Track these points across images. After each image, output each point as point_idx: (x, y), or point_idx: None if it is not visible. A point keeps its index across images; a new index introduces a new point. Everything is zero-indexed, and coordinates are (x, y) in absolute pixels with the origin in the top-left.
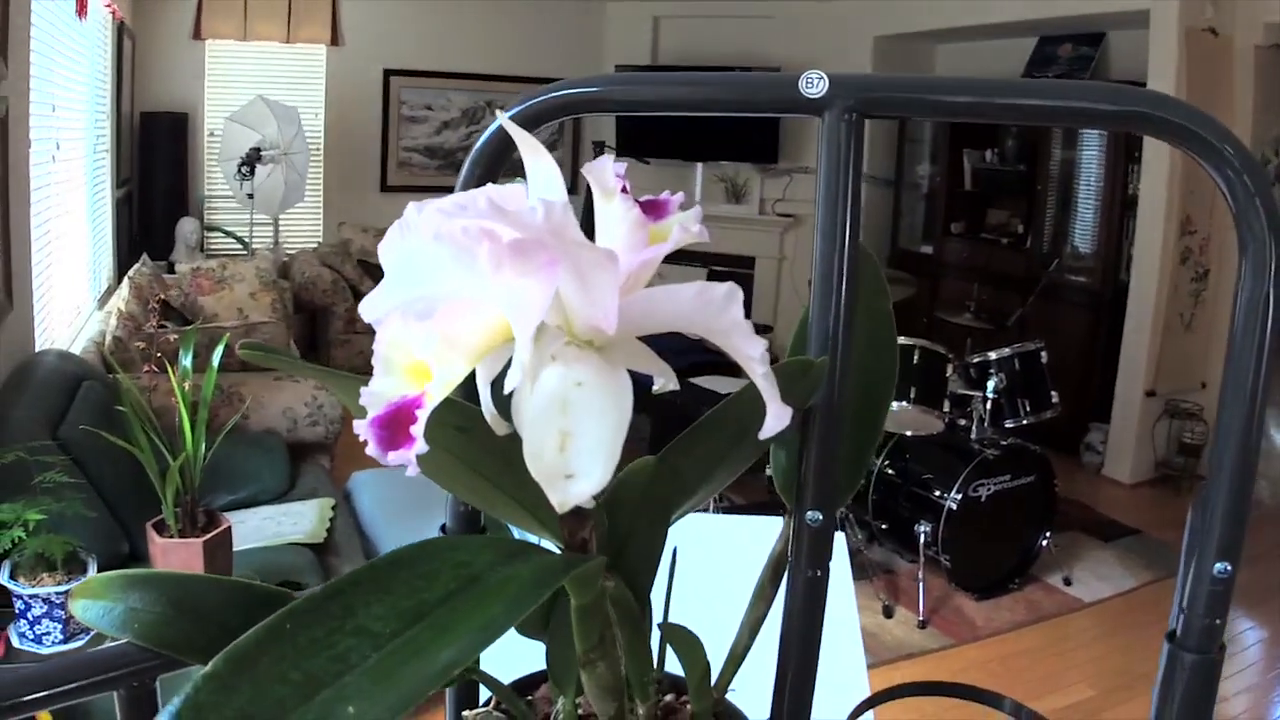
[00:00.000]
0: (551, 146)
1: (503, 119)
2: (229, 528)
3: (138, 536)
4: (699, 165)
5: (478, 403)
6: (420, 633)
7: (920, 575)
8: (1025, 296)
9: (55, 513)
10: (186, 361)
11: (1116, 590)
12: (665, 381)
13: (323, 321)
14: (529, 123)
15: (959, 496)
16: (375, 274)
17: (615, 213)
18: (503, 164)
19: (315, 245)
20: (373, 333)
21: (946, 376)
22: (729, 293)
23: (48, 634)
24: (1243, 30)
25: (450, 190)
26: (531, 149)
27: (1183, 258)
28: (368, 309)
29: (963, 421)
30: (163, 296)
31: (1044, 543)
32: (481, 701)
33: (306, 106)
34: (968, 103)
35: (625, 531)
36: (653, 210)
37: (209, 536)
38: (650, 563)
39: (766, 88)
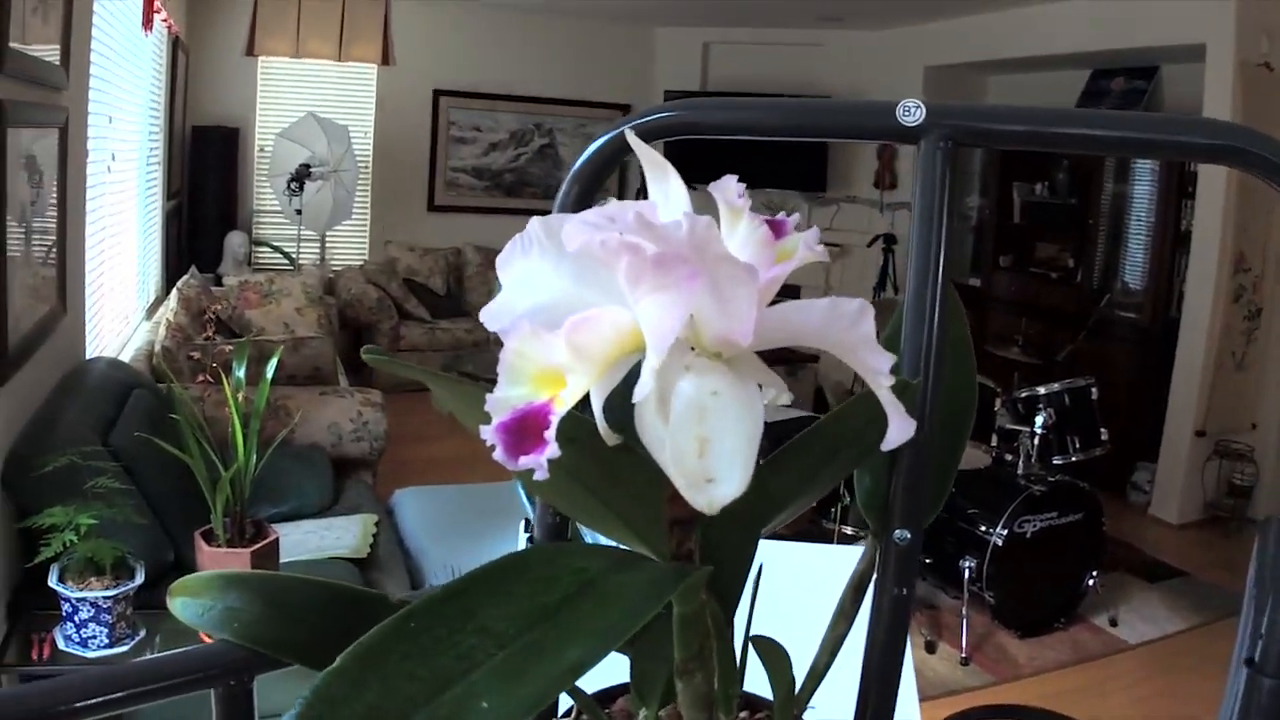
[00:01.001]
0: None
1: (629, 135)
2: (276, 539)
3: (183, 545)
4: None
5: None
6: (543, 634)
7: (964, 611)
8: (1075, 331)
9: (106, 518)
10: (240, 373)
11: (1162, 633)
12: (777, 394)
13: (367, 339)
14: (625, 147)
15: (1004, 532)
16: (420, 293)
17: (742, 231)
18: (603, 181)
19: (361, 263)
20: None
21: (994, 411)
22: (861, 308)
23: (94, 638)
24: None
25: (497, 211)
26: (659, 167)
27: (1235, 295)
28: (490, 318)
29: (1009, 456)
30: (213, 309)
31: (1090, 582)
32: (560, 713)
33: (356, 125)
34: (1061, 134)
35: (716, 545)
36: (773, 230)
37: (257, 547)
38: (740, 577)
39: (866, 115)
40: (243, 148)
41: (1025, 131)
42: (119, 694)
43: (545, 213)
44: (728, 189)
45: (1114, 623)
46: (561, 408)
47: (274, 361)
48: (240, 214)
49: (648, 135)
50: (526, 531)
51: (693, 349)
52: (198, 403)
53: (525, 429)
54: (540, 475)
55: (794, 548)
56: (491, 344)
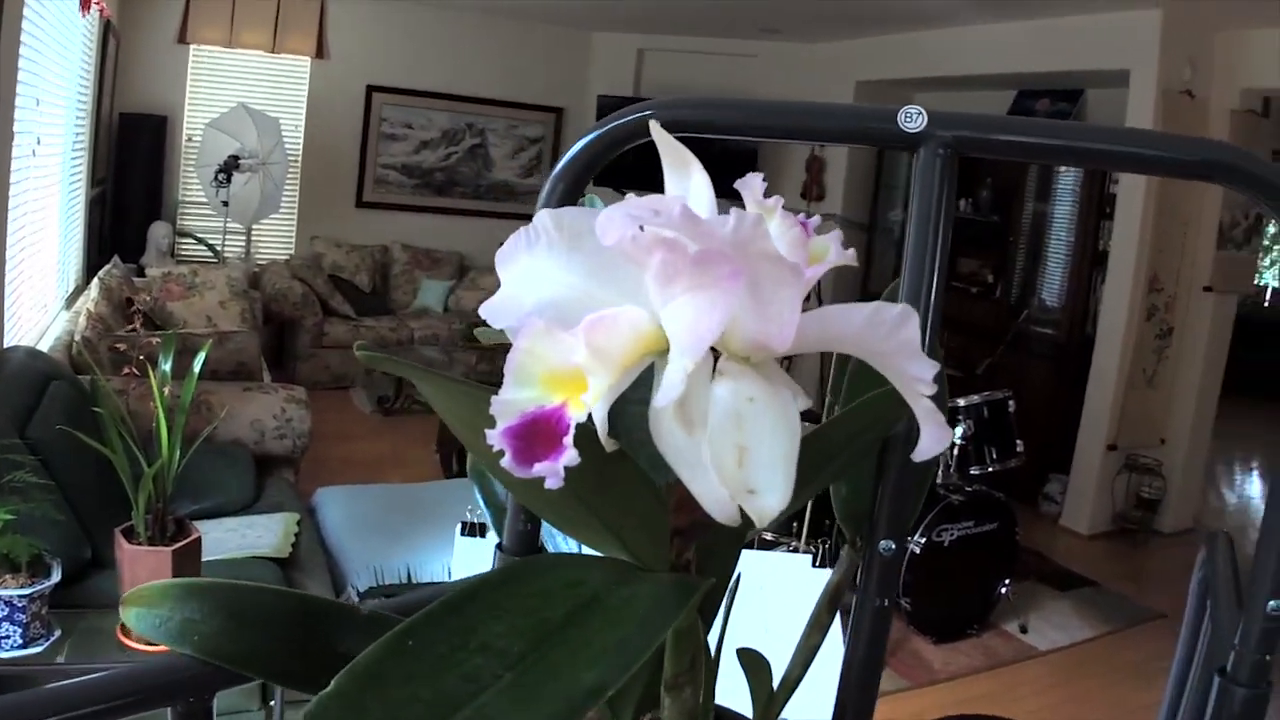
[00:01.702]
0: (530, 171)
1: (653, 126)
2: (199, 538)
3: (102, 542)
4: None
5: None
6: (553, 653)
7: None
8: (994, 346)
9: (22, 513)
10: (166, 367)
11: (1071, 640)
12: (796, 399)
13: (290, 334)
14: (616, 143)
15: (923, 540)
16: (345, 289)
17: (773, 231)
18: (589, 179)
19: (287, 257)
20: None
21: None
22: (903, 314)
23: (7, 638)
24: (1219, 94)
25: (425, 210)
26: (683, 161)
27: (1148, 314)
28: (492, 314)
29: None
30: (134, 300)
31: (1003, 590)
32: None
33: (287, 118)
34: (1056, 146)
35: (704, 556)
36: None
37: (179, 546)
38: (723, 588)
39: (868, 119)
40: (171, 137)
41: (1023, 143)
42: (64, 715)
43: (475, 213)
44: (755, 187)
45: (1025, 630)
46: (580, 412)
47: (202, 356)
48: (165, 204)
49: (637, 134)
50: (464, 534)
51: (725, 355)
52: (121, 396)
53: (537, 434)
54: (554, 484)
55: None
56: (415, 344)
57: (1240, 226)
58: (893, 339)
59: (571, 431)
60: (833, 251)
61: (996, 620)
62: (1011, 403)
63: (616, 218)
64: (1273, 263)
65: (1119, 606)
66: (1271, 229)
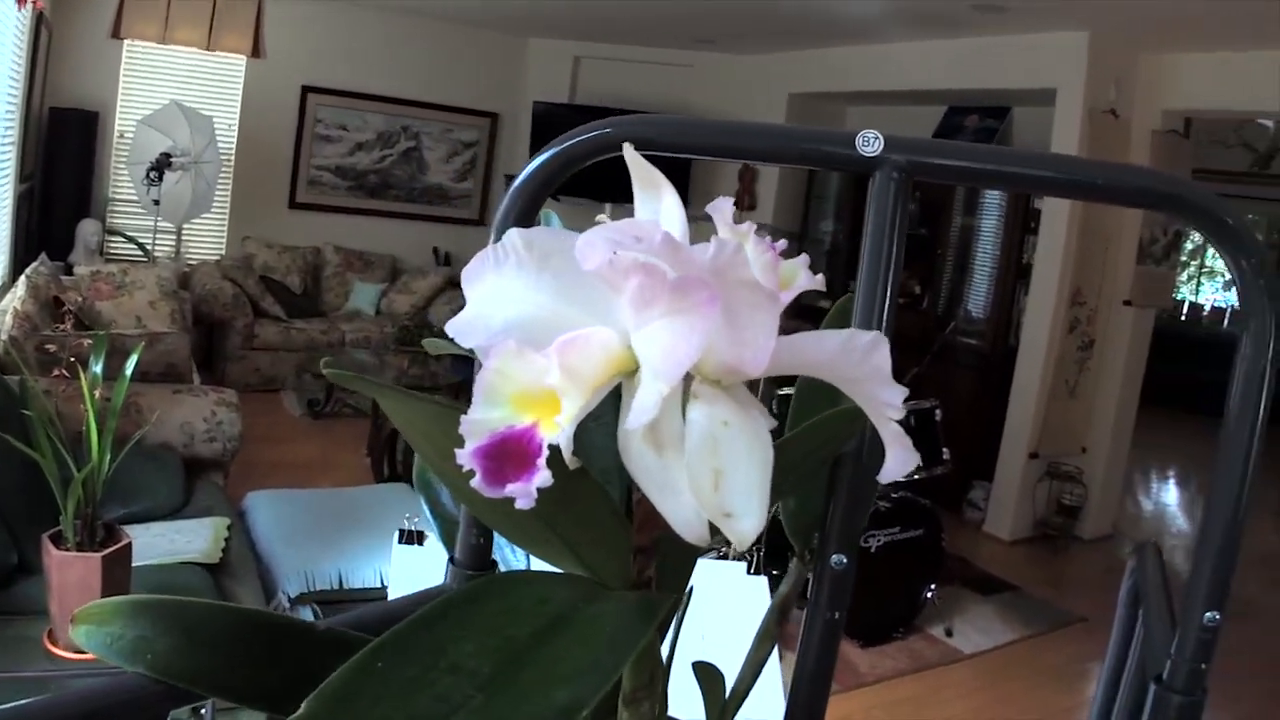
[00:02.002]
0: (464, 175)
1: (626, 150)
2: (129, 544)
3: (28, 548)
4: (608, 205)
5: None
6: (524, 673)
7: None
8: (920, 356)
9: None
10: (98, 369)
11: (995, 643)
12: (766, 422)
13: (220, 335)
14: (574, 160)
15: None
16: (277, 291)
17: (748, 255)
18: (546, 195)
19: (218, 258)
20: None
21: None
22: (874, 341)
23: None
24: (1141, 114)
25: (359, 212)
26: (655, 184)
27: (1071, 327)
28: (460, 333)
29: None
30: (63, 299)
31: (929, 595)
32: None
33: (221, 116)
34: (1008, 173)
35: (661, 571)
36: None
37: (108, 552)
38: (679, 603)
39: (826, 142)
40: (102, 133)
41: (973, 169)
42: None
43: (408, 216)
44: (725, 211)
45: (949, 633)
46: (552, 433)
47: (134, 358)
48: (95, 201)
49: (596, 151)
50: (402, 542)
51: (698, 378)
52: (49, 397)
53: (508, 454)
54: (525, 504)
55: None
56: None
57: (1159, 243)
58: (864, 365)
59: (545, 452)
60: (801, 276)
61: (922, 624)
62: (938, 412)
63: (597, 242)
64: (1190, 278)
65: (1041, 610)
66: (1189, 246)
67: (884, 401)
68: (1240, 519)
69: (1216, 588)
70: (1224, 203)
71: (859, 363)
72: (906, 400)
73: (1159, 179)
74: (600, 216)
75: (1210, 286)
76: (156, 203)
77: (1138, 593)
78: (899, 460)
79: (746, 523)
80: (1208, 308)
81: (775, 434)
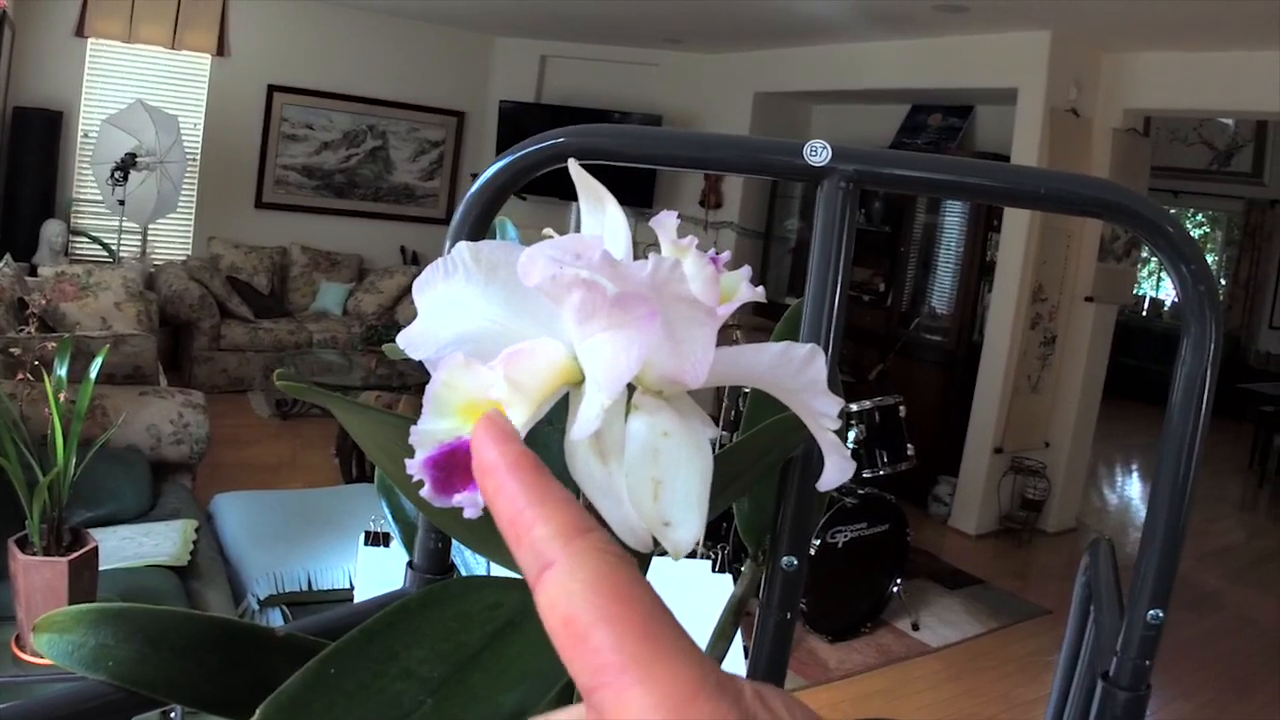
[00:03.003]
0: (430, 174)
1: (571, 165)
2: (95, 548)
3: None
4: (574, 204)
5: None
6: (473, 677)
7: None
8: (885, 352)
9: None
10: (62, 371)
11: (961, 636)
12: (707, 430)
13: (186, 336)
14: (528, 170)
15: (817, 542)
16: (244, 291)
17: (688, 270)
18: (502, 203)
19: (184, 258)
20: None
21: None
22: (810, 354)
23: None
24: (1102, 113)
25: (325, 212)
26: (598, 197)
27: (1033, 323)
28: (410, 345)
29: None
30: (27, 301)
31: (895, 589)
32: None
33: (186, 115)
34: (952, 182)
35: None
36: None
37: (75, 556)
38: None
39: (776, 152)
40: (66, 132)
41: (916, 178)
42: None
43: (375, 215)
44: (669, 226)
45: (916, 627)
46: None
47: (100, 360)
48: (59, 202)
49: (550, 160)
50: (368, 544)
51: (640, 389)
52: (13, 400)
53: (455, 465)
54: (472, 513)
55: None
56: (314, 347)
57: (1120, 240)
58: (800, 377)
59: None
60: (742, 288)
61: (889, 618)
62: (902, 407)
63: (539, 258)
64: (1151, 274)
65: (1006, 603)
66: None
67: (820, 412)
68: (1183, 520)
69: (1160, 587)
70: (1165, 212)
71: (795, 374)
72: (872, 396)
73: (1102, 188)
74: (546, 231)
75: (1170, 282)
76: (122, 203)
77: (1091, 589)
78: (837, 469)
79: (683, 532)
80: (1168, 303)
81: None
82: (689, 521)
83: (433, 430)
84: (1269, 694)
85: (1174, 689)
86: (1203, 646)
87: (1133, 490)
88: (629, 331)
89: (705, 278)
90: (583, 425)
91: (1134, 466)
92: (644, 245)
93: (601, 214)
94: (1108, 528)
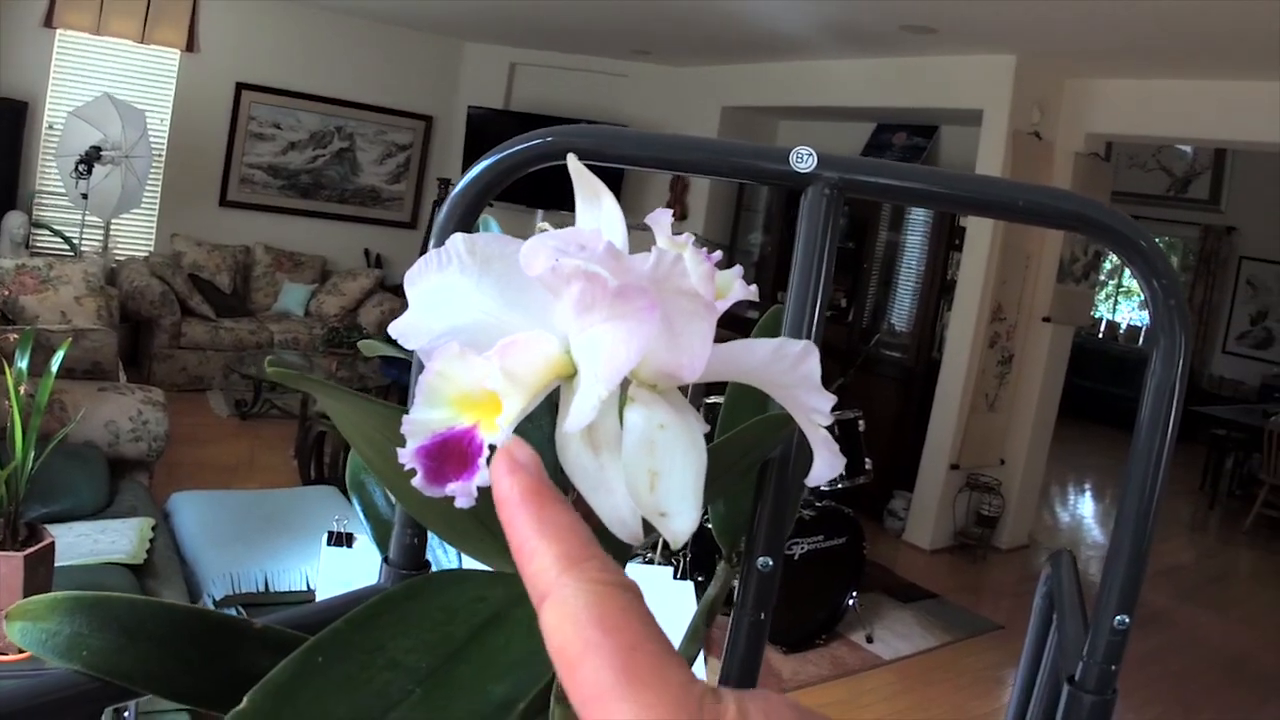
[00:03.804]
0: (397, 177)
1: (570, 160)
2: (52, 543)
3: None
4: (540, 212)
5: None
6: (460, 668)
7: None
8: (845, 367)
9: None
10: (22, 364)
11: (915, 649)
12: (700, 426)
13: (147, 333)
14: (514, 168)
15: None
16: (205, 289)
17: (686, 265)
18: (486, 201)
19: (146, 254)
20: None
21: None
22: (804, 350)
23: None
24: (1065, 136)
25: (290, 212)
26: (594, 191)
27: (991, 342)
28: (403, 336)
29: None
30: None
31: (850, 602)
32: None
33: (153, 110)
34: (935, 192)
35: None
36: None
37: (31, 551)
38: None
39: (762, 158)
40: (31, 124)
41: (900, 187)
42: None
43: (340, 217)
44: (664, 223)
45: (871, 640)
46: (492, 434)
47: (60, 354)
48: (22, 193)
49: (533, 160)
50: (330, 544)
51: (635, 382)
52: None
53: (448, 454)
54: (465, 503)
55: None
56: (275, 348)
57: (1079, 262)
58: (794, 373)
59: (485, 452)
60: (736, 286)
61: (844, 631)
62: (861, 422)
63: (542, 249)
64: (1108, 297)
65: (959, 618)
66: (1108, 265)
67: (812, 408)
68: (1150, 528)
69: (1127, 592)
70: (1139, 226)
71: (789, 370)
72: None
73: (1079, 202)
74: (542, 224)
75: (1127, 305)
76: (85, 196)
77: (1052, 598)
78: (826, 464)
79: (681, 521)
80: (1124, 326)
81: (706, 439)
82: (685, 512)
83: (426, 420)
84: (1216, 710)
85: (1124, 704)
86: (1152, 664)
87: (1085, 509)
88: (629, 323)
89: (703, 274)
90: (578, 417)
91: (1087, 485)
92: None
93: (598, 209)
94: (1060, 545)
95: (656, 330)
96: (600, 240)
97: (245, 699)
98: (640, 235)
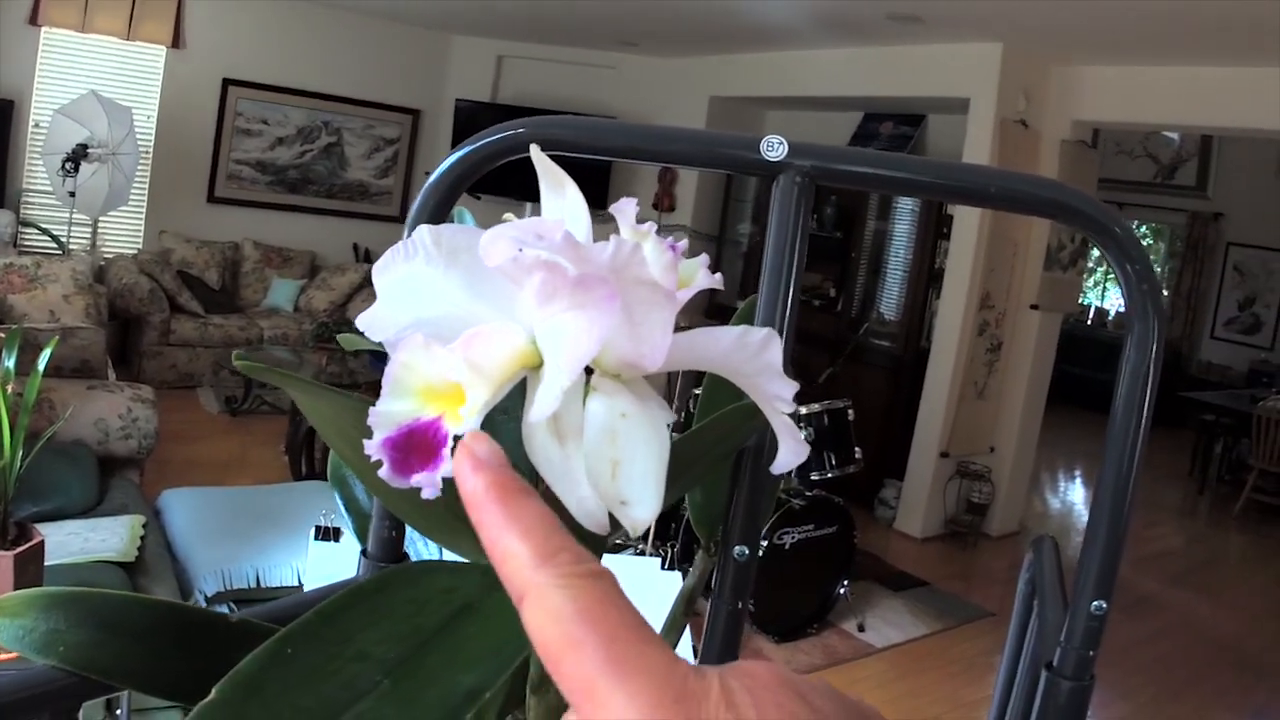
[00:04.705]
0: (385, 172)
1: (533, 151)
2: (41, 542)
3: None
4: (528, 205)
5: None
6: (430, 658)
7: None
8: (834, 356)
9: None
10: (10, 363)
11: (906, 637)
12: (664, 414)
13: (136, 331)
14: (489, 159)
15: (765, 543)
16: (194, 286)
17: (647, 256)
18: (460, 192)
19: (134, 252)
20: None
21: None
22: (767, 338)
23: None
24: (1051, 124)
25: (278, 208)
26: (559, 181)
27: (980, 330)
28: (370, 327)
29: None
30: None
31: (842, 590)
32: None
33: (140, 107)
34: (905, 179)
35: None
36: None
37: (20, 550)
38: None
39: (733, 146)
40: (17, 122)
41: (870, 174)
42: None
43: (328, 212)
44: (628, 212)
45: (862, 628)
46: (457, 425)
47: (48, 353)
48: (8, 192)
49: (508, 151)
50: (318, 539)
51: (598, 372)
52: None
53: (414, 445)
54: (430, 494)
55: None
56: (265, 344)
57: (1066, 250)
58: (756, 361)
59: (449, 444)
60: (700, 275)
61: (835, 619)
62: (851, 411)
63: (501, 240)
64: (1096, 284)
65: (950, 605)
66: (1095, 253)
67: (775, 395)
68: (1126, 513)
69: (1104, 578)
70: (1113, 212)
71: (752, 358)
72: (821, 400)
73: (1051, 188)
74: (507, 215)
75: (1115, 292)
76: (72, 194)
77: (1035, 584)
78: (791, 452)
79: (641, 510)
80: (1112, 312)
81: (680, 429)
82: (646, 500)
83: (391, 411)
84: (1206, 694)
85: (1114, 690)
86: (1142, 648)
87: (1075, 495)
88: (589, 313)
89: (664, 263)
90: (541, 407)
91: (1077, 472)
92: (608, 238)
93: (562, 198)
94: (1050, 531)
95: (617, 319)
96: (559, 230)
97: (214, 691)
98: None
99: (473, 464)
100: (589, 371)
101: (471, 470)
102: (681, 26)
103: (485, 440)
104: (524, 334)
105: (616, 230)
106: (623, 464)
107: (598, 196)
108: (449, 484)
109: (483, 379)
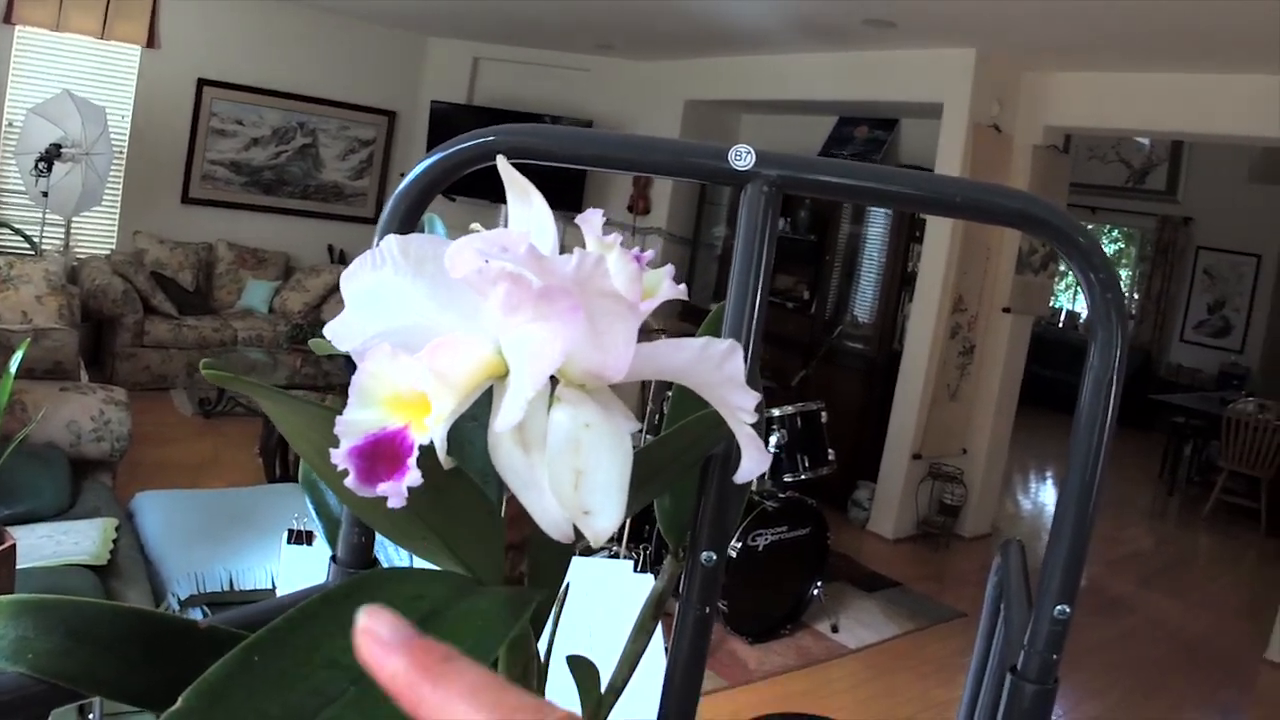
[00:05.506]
0: (360, 173)
1: (500, 161)
2: (14, 545)
3: None
4: (503, 207)
5: None
6: None
7: None
8: (808, 358)
9: None
10: None
11: (879, 638)
12: (628, 423)
13: (109, 332)
14: (458, 166)
15: (738, 545)
16: (168, 287)
17: (611, 267)
18: (430, 199)
19: (108, 252)
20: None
21: None
22: (729, 349)
23: None
24: (1023, 129)
25: (253, 209)
26: (524, 191)
27: (952, 333)
28: (337, 336)
29: None
30: None
31: (815, 592)
32: None
33: (114, 107)
34: (872, 189)
35: (536, 567)
36: None
37: None
38: (553, 597)
39: (701, 156)
40: None
41: (838, 184)
42: None
43: (303, 213)
44: (595, 224)
45: (835, 629)
46: (423, 434)
47: (20, 354)
48: None
49: (480, 158)
50: (291, 542)
51: (563, 382)
52: None
53: (380, 454)
54: (396, 503)
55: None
56: (239, 345)
57: (1038, 254)
58: (719, 371)
59: (415, 453)
60: (664, 286)
61: (809, 620)
62: (824, 413)
63: (466, 252)
64: (1067, 287)
65: (923, 606)
66: None
67: (737, 405)
68: (1089, 519)
69: (1067, 583)
70: (1076, 221)
71: (714, 369)
72: (794, 401)
73: (1016, 198)
74: (474, 225)
75: None
76: (45, 194)
77: (1002, 588)
78: (754, 461)
79: (604, 520)
80: (1083, 315)
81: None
82: (608, 510)
83: (358, 420)
84: (1176, 694)
85: (1084, 690)
86: (1112, 649)
87: (1046, 497)
88: (553, 324)
89: (628, 274)
90: (506, 417)
91: (1048, 474)
92: (573, 249)
93: (529, 207)
94: (1021, 533)
95: (580, 331)
96: (524, 242)
97: (180, 699)
98: (607, 230)
99: (381, 649)
100: (554, 381)
101: (383, 656)
102: (657, 30)
103: (383, 616)
104: (490, 344)
105: (582, 243)
106: (586, 474)
107: (573, 199)
108: (415, 492)
109: (448, 389)
